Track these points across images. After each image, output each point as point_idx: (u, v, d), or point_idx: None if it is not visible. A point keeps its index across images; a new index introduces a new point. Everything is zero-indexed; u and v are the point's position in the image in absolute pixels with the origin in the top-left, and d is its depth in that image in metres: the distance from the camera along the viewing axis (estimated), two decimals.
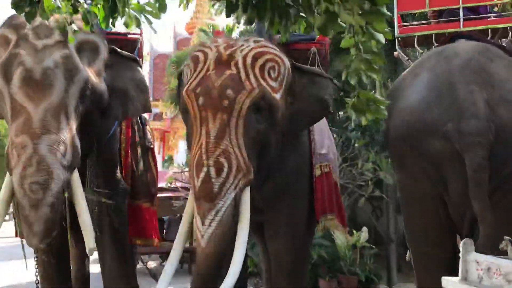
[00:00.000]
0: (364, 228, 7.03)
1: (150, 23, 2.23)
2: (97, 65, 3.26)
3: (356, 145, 6.46)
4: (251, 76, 3.05)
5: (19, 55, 2.93)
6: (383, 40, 1.84)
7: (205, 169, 2.78)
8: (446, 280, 2.23)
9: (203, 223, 2.71)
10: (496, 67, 3.24)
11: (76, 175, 2.99)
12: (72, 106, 2.95)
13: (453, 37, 3.99)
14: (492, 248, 2.82)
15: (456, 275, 3.12)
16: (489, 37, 4.13)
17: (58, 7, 2.07)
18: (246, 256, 3.98)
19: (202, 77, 3.07)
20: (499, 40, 4.43)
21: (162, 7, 2.17)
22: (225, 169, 2.79)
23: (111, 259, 3.72)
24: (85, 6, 2.12)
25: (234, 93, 2.94)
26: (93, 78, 3.17)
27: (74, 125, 2.95)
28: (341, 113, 7.31)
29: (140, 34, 4.06)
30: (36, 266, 3.41)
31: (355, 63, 1.85)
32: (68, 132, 2.88)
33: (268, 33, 4.29)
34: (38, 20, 2.71)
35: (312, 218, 3.78)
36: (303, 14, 1.80)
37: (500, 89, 3.10)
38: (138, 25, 2.20)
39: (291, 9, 1.74)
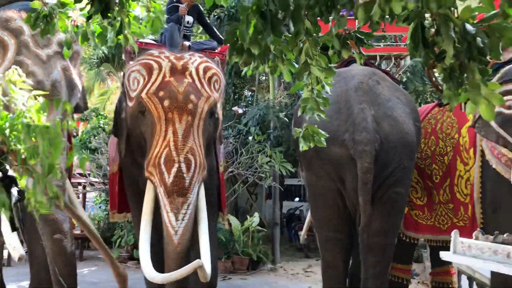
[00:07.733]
0: (256, 214, 7.85)
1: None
2: (77, 68, 3.51)
3: (254, 139, 7.10)
4: (205, 86, 3.51)
5: (25, 65, 3.00)
6: (329, 90, 2.44)
7: (176, 165, 3.09)
8: (443, 254, 3.03)
9: (177, 219, 3.00)
10: (381, 88, 4.11)
11: None
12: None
13: (349, 62, 4.86)
14: (368, 231, 3.68)
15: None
16: (377, 62, 5.14)
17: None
18: None
19: (161, 83, 3.40)
20: (381, 64, 5.55)
21: (155, 29, 2.51)
22: (193, 165, 3.15)
23: None
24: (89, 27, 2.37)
25: (196, 98, 3.36)
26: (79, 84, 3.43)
27: None
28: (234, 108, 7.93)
29: None
30: None
31: (311, 103, 2.45)
32: None
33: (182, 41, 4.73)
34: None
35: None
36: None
37: (384, 107, 3.96)
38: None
39: (276, 59, 2.26)
